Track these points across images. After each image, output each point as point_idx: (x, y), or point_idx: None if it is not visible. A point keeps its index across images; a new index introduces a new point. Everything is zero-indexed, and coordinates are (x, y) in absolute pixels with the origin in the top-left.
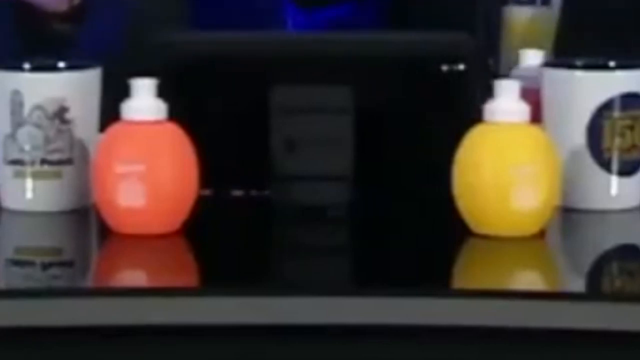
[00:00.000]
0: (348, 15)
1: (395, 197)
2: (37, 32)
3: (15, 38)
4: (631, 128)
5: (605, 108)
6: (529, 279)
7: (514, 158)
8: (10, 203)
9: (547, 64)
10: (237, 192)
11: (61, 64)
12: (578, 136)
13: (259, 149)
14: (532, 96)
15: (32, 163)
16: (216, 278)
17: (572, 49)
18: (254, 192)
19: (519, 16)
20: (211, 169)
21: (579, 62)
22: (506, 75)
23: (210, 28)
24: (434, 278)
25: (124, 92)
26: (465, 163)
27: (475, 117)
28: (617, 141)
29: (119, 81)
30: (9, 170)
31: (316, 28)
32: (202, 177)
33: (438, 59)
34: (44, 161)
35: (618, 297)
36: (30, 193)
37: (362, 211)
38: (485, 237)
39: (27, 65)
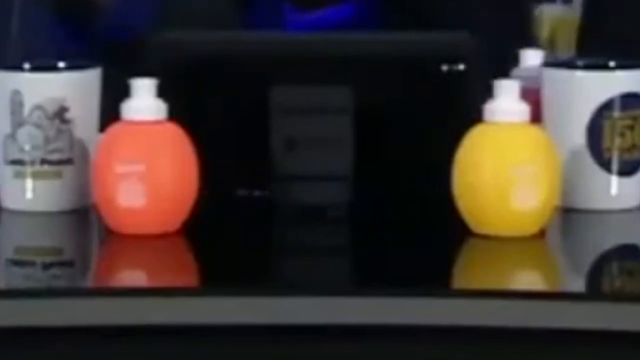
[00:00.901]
0: (347, 17)
1: (395, 197)
2: (75, 3)
3: (54, 9)
4: (631, 128)
5: (605, 108)
6: (529, 279)
7: (514, 158)
8: (10, 203)
9: (547, 64)
10: (237, 192)
11: (61, 64)
12: (578, 136)
13: (259, 149)
14: (532, 96)
15: (32, 163)
16: (216, 278)
17: (593, 49)
18: (254, 192)
19: (545, 15)
20: (211, 169)
21: (579, 62)
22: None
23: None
24: (434, 278)
25: (124, 92)
26: (465, 163)
27: (475, 117)
28: (617, 141)
29: (119, 81)
30: (9, 170)
31: (315, 29)
32: (202, 177)
33: (438, 59)
34: (44, 161)
35: (618, 297)
36: (30, 193)
37: (362, 211)
38: (485, 237)
39: (27, 65)
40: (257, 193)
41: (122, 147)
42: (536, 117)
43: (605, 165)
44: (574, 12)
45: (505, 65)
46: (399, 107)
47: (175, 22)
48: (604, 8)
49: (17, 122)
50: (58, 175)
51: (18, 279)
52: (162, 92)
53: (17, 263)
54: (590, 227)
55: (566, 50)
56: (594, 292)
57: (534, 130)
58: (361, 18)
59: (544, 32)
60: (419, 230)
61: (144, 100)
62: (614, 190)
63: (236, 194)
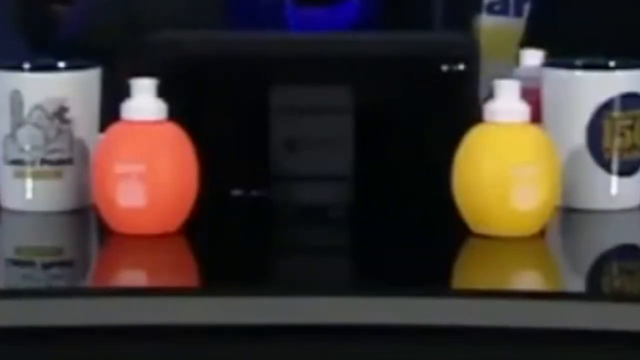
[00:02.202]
0: (348, 14)
1: (395, 197)
2: (36, 13)
3: (15, 18)
4: (631, 128)
5: (605, 108)
6: (529, 279)
7: (514, 158)
8: (10, 203)
9: (547, 64)
10: (237, 192)
11: (61, 64)
12: (578, 136)
13: (259, 149)
14: (532, 96)
15: (32, 163)
16: (216, 278)
17: None
18: (254, 192)
19: (489, 25)
20: (211, 169)
21: (579, 62)
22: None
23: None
24: (434, 278)
25: (124, 92)
26: (465, 163)
27: (475, 117)
28: (617, 141)
29: (119, 81)
30: (9, 170)
31: (316, 27)
32: (202, 177)
33: (438, 59)
34: (44, 161)
35: (618, 297)
36: (30, 193)
37: (362, 211)
38: (485, 237)
39: (27, 65)
40: (257, 193)
41: (122, 147)
42: (536, 117)
43: (605, 165)
44: (516, 24)
45: None
46: (399, 107)
47: (167, 20)
48: (548, 22)
49: (17, 122)
50: (58, 175)
51: (18, 279)
52: (162, 92)
53: (17, 263)
54: (590, 227)
55: (503, 61)
56: (594, 292)
57: (534, 130)
58: (364, 15)
59: (481, 41)
60: (419, 230)
61: (144, 100)
62: (614, 190)
63: (236, 194)
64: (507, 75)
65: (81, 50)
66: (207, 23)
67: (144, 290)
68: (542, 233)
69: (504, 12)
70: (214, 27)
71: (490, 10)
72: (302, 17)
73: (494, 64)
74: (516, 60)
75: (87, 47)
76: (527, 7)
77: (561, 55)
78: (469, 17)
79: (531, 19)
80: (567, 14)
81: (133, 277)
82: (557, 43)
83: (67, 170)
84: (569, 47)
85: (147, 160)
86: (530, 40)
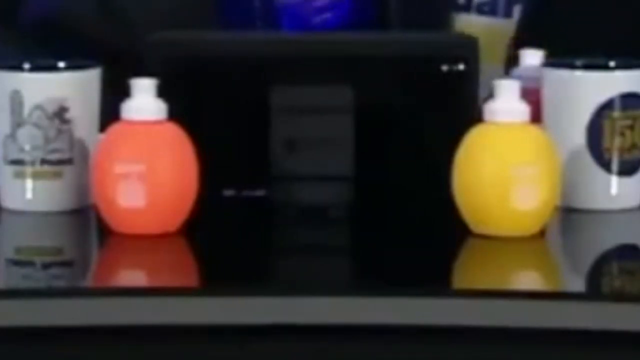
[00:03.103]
0: (345, 15)
1: (395, 197)
2: None
3: None
4: (631, 128)
5: (605, 108)
6: (529, 279)
7: (514, 158)
8: (10, 203)
9: (547, 64)
10: (237, 192)
11: (61, 64)
12: (578, 136)
13: (259, 149)
14: (532, 96)
15: (32, 163)
16: (216, 278)
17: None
18: (254, 192)
19: (476, 25)
20: (211, 169)
21: (579, 62)
22: None
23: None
24: (434, 278)
25: (124, 92)
26: (465, 163)
27: (475, 117)
28: (617, 141)
29: (119, 81)
30: (9, 170)
31: (312, 27)
32: (202, 177)
33: (438, 59)
34: (44, 161)
35: (618, 297)
36: (30, 193)
37: (362, 211)
38: (485, 237)
39: (27, 65)
40: (257, 193)
41: (122, 147)
42: (536, 117)
43: (605, 165)
44: (506, 25)
45: None
46: (399, 107)
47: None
48: (542, 21)
49: (17, 122)
50: (58, 175)
51: (18, 279)
52: (162, 92)
53: (17, 263)
54: (590, 227)
55: (492, 61)
56: (594, 292)
57: (534, 130)
58: (357, 17)
59: None
60: (419, 230)
61: (144, 100)
62: (614, 190)
63: (236, 194)
64: (496, 75)
65: (51, 32)
66: (198, 22)
67: (144, 290)
68: (542, 233)
69: (492, 12)
70: (204, 26)
71: (480, 10)
72: (294, 17)
73: (483, 64)
74: (515, 62)
75: (56, 30)
76: (517, 8)
77: (561, 55)
78: (445, 17)
79: (524, 18)
80: (567, 13)
81: (133, 277)
82: (556, 43)
83: (67, 170)
84: (569, 48)
85: (147, 160)
86: (523, 38)
